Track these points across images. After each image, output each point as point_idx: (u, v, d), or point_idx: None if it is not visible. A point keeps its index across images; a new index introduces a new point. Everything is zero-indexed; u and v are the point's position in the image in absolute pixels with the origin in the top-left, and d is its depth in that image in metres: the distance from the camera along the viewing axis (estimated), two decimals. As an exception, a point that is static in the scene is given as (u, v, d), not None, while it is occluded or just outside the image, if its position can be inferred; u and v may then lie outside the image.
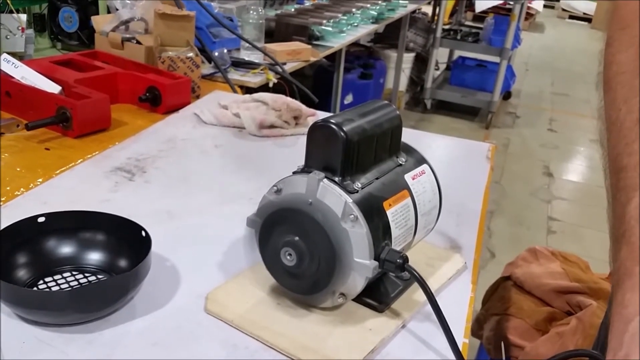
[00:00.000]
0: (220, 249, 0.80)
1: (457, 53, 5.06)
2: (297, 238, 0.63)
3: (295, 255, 0.63)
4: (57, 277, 0.70)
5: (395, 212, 0.66)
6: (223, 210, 0.91)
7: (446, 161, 1.21)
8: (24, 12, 1.61)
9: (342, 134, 0.63)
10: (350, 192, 0.62)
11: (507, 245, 2.66)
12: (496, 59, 4.22)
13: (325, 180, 0.62)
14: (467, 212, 0.96)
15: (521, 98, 5.12)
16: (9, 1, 1.52)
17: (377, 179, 0.67)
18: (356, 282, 0.63)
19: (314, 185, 0.62)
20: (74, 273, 0.71)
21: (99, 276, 0.71)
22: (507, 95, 4.92)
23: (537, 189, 3.28)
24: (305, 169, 0.65)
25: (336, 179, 0.63)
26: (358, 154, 0.64)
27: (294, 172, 0.66)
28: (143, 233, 0.70)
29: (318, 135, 0.65)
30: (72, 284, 0.70)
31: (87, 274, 0.71)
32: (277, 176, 1.08)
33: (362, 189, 0.64)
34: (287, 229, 0.64)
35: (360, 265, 0.62)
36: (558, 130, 4.33)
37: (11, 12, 1.53)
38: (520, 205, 3.07)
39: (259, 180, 1.01)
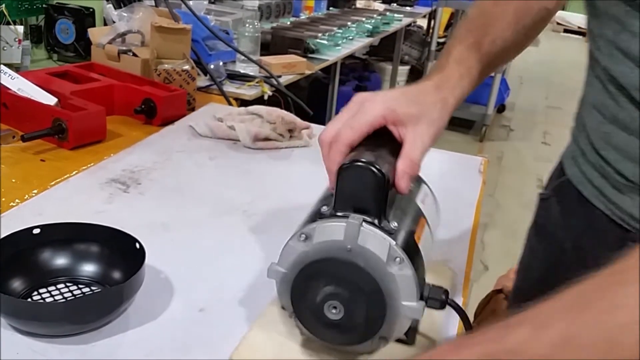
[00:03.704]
0: (214, 261, 0.81)
1: (452, 66, 5.09)
2: (340, 289, 0.58)
3: (342, 308, 0.59)
4: (51, 288, 0.71)
5: (423, 244, 0.63)
6: (217, 222, 0.91)
7: (439, 175, 1.22)
8: (21, 24, 1.62)
9: (379, 173, 0.58)
10: (389, 233, 0.58)
11: (500, 258, 2.66)
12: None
13: (364, 224, 0.58)
14: (459, 226, 0.97)
15: (515, 111, 5.15)
16: (6, 13, 1.53)
17: (401, 211, 0.63)
18: (402, 326, 0.60)
19: (354, 231, 0.58)
20: (68, 284, 0.72)
21: (93, 288, 0.72)
22: (501, 108, 4.95)
23: (531, 202, 3.29)
24: (334, 213, 0.61)
25: (372, 220, 0.59)
26: (389, 192, 0.60)
27: (321, 217, 0.61)
28: (137, 245, 0.71)
29: (350, 176, 0.60)
30: (66, 295, 0.70)
31: (81, 286, 0.72)
32: (271, 188, 1.09)
33: (398, 227, 0.60)
34: (325, 280, 0.59)
35: (409, 308, 0.58)
36: (552, 143, 4.36)
37: (8, 23, 1.54)
38: (513, 218, 3.08)
39: (253, 193, 1.02)
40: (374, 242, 0.58)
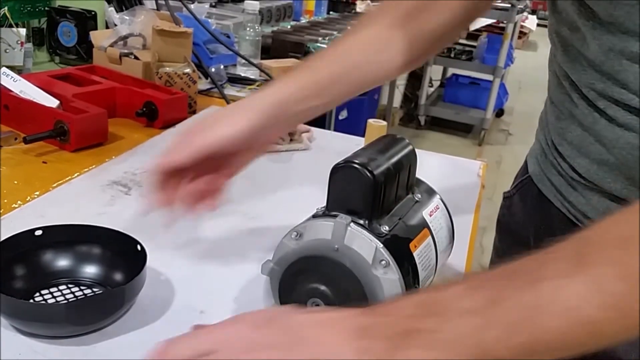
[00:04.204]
0: (215, 263, 0.81)
1: (451, 70, 5.11)
2: (324, 287, 0.59)
3: (324, 306, 0.59)
4: (53, 289, 0.71)
5: (420, 253, 0.63)
6: (218, 224, 0.92)
7: (438, 179, 1.22)
8: (24, 27, 1.62)
9: (370, 175, 0.59)
10: (379, 235, 0.59)
11: (499, 262, 2.67)
12: (489, 77, 4.27)
13: (352, 224, 0.59)
14: (458, 230, 0.97)
15: (514, 116, 5.16)
16: (8, 15, 1.54)
17: (399, 219, 0.63)
18: None
19: (341, 231, 0.58)
20: (70, 286, 0.72)
21: (95, 289, 0.72)
22: (499, 112, 4.97)
23: (530, 206, 3.30)
24: (327, 213, 0.61)
25: (363, 222, 0.59)
26: (383, 195, 0.61)
27: (314, 216, 0.62)
28: (138, 247, 0.71)
29: (342, 176, 0.60)
30: (68, 296, 0.71)
31: (82, 287, 0.72)
32: (271, 191, 1.09)
33: (389, 231, 0.60)
34: (312, 278, 0.59)
35: None
36: (550, 148, 4.36)
37: (10, 26, 1.54)
38: (512, 222, 3.09)
39: (254, 195, 1.02)
40: (361, 243, 0.58)
